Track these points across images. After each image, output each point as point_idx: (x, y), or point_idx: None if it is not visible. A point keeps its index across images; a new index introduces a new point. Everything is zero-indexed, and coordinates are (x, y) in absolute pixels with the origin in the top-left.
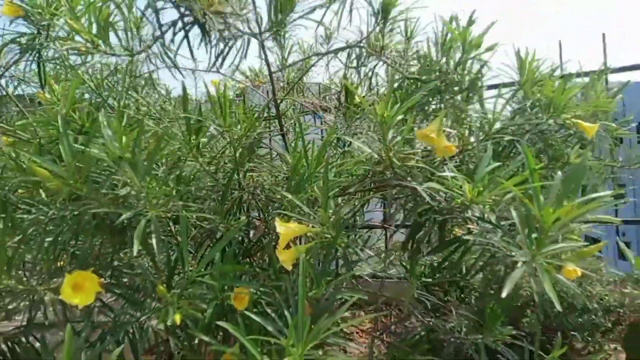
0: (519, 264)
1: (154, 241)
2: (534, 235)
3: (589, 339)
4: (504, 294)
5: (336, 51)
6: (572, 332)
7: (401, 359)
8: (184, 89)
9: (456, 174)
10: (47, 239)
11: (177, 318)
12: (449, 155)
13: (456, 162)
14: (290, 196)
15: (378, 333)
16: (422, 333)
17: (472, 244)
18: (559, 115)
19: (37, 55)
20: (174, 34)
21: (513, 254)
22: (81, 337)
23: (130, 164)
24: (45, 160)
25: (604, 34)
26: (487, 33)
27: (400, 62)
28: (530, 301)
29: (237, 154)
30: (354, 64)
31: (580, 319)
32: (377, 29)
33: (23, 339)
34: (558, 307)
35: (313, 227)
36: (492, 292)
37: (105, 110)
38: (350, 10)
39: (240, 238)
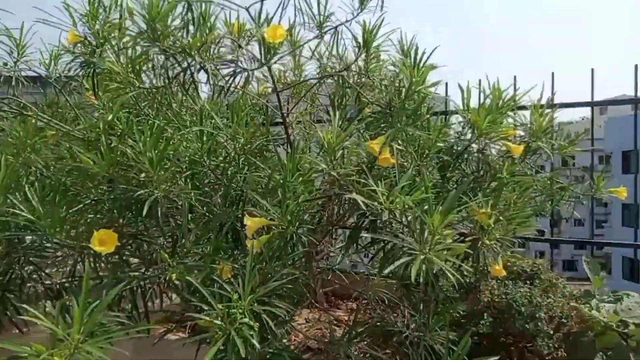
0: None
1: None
2: (426, 235)
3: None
4: (386, 271)
5: (323, 78)
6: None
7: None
8: (201, 110)
9: (377, 188)
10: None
11: (173, 276)
12: (386, 165)
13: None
14: (258, 198)
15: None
16: (377, 323)
17: (386, 242)
18: (479, 137)
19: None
20: (184, 75)
21: (409, 248)
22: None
23: (148, 159)
24: (90, 153)
25: (592, 69)
26: (432, 70)
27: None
28: (487, 306)
29: (240, 160)
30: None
31: (527, 325)
32: (360, 59)
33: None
34: (452, 281)
35: (271, 220)
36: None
37: (138, 120)
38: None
39: (235, 226)
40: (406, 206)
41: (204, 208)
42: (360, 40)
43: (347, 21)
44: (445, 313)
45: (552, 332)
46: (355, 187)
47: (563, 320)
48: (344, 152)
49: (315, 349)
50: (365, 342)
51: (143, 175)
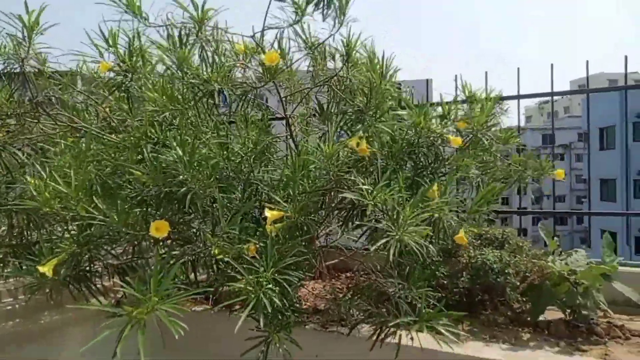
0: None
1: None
2: (400, 221)
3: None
4: (372, 248)
5: (316, 85)
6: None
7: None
8: (216, 125)
9: (363, 186)
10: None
11: (216, 252)
12: (364, 154)
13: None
14: (271, 194)
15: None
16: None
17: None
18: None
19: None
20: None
21: (387, 231)
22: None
23: (182, 162)
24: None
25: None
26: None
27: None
28: (465, 267)
29: (252, 159)
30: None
31: (498, 279)
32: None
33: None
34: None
35: (285, 212)
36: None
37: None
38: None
39: (253, 215)
40: (385, 200)
41: (227, 201)
42: (343, 53)
43: (329, 36)
44: (427, 276)
45: (518, 283)
46: (347, 184)
47: (527, 274)
48: (338, 155)
49: (322, 310)
50: (363, 302)
51: (180, 177)
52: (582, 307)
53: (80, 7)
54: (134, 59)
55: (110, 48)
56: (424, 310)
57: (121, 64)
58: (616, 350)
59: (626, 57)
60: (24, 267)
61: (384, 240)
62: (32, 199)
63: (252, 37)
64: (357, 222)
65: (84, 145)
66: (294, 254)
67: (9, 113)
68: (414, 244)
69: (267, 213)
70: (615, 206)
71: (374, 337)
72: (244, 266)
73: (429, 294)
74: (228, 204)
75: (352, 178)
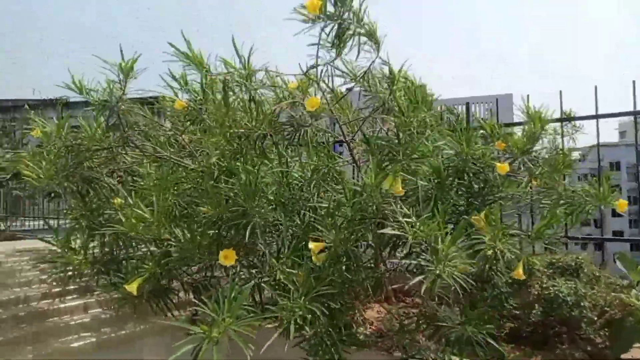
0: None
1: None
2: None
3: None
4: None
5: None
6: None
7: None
8: (280, 154)
9: (402, 220)
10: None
11: (280, 275)
12: (399, 194)
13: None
14: (316, 225)
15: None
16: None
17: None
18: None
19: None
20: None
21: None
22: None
23: (244, 192)
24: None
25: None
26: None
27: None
28: (537, 298)
29: (312, 186)
30: None
31: (572, 312)
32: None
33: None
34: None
35: (327, 242)
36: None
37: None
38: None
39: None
40: (425, 234)
41: (289, 225)
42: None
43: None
44: (492, 307)
45: (595, 318)
46: (390, 216)
47: (606, 308)
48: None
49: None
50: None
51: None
52: None
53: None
54: (206, 92)
55: (183, 87)
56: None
57: (195, 99)
58: None
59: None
60: (113, 283)
61: (421, 277)
62: (120, 224)
63: (304, 73)
64: (403, 253)
65: (165, 171)
66: (330, 282)
67: (104, 146)
68: (451, 280)
69: (311, 245)
70: None
71: None
72: (278, 292)
73: (489, 327)
74: (289, 229)
75: (394, 209)
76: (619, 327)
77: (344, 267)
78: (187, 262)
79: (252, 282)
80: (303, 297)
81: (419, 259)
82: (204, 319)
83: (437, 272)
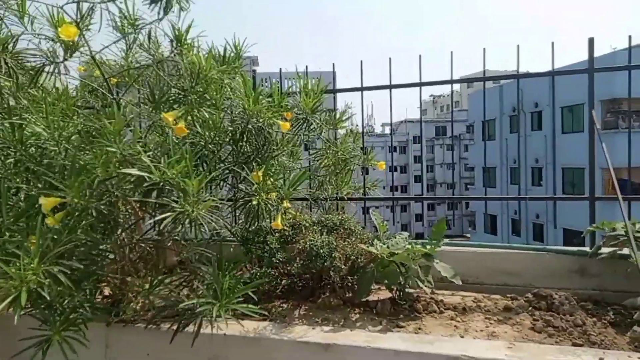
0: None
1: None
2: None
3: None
4: (162, 226)
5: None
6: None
7: None
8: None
9: (150, 164)
10: None
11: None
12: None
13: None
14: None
15: None
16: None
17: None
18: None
19: None
20: None
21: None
22: None
23: None
24: None
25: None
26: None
27: None
28: (300, 252)
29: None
30: None
31: (325, 263)
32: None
33: None
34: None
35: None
36: None
37: None
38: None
39: None
40: (174, 176)
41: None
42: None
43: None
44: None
45: (343, 266)
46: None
47: (353, 257)
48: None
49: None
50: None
51: None
52: (404, 286)
53: None
54: None
55: None
56: (219, 292)
57: None
58: (429, 324)
59: (518, 47)
60: None
61: (168, 215)
62: None
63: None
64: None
65: None
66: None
67: None
68: (202, 219)
69: (42, 200)
70: (494, 191)
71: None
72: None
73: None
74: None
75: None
76: (362, 274)
77: (89, 228)
78: None
79: None
80: (37, 260)
81: (167, 199)
82: None
83: (188, 210)
